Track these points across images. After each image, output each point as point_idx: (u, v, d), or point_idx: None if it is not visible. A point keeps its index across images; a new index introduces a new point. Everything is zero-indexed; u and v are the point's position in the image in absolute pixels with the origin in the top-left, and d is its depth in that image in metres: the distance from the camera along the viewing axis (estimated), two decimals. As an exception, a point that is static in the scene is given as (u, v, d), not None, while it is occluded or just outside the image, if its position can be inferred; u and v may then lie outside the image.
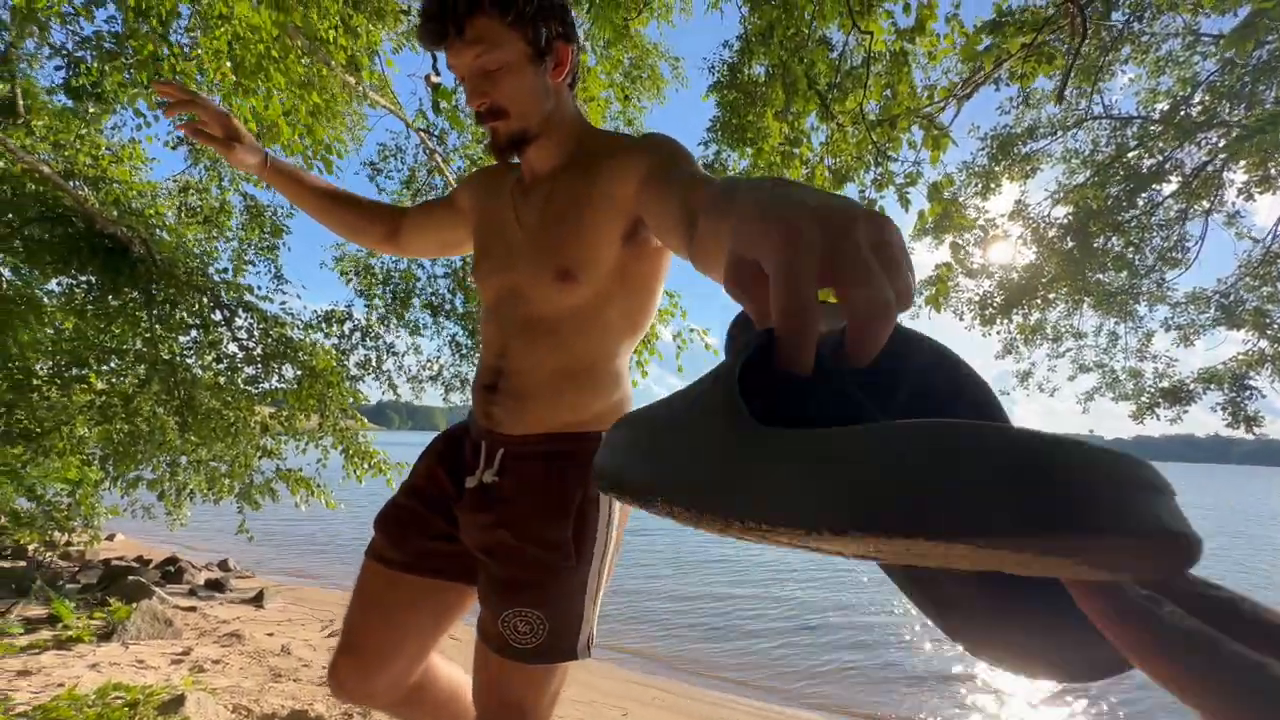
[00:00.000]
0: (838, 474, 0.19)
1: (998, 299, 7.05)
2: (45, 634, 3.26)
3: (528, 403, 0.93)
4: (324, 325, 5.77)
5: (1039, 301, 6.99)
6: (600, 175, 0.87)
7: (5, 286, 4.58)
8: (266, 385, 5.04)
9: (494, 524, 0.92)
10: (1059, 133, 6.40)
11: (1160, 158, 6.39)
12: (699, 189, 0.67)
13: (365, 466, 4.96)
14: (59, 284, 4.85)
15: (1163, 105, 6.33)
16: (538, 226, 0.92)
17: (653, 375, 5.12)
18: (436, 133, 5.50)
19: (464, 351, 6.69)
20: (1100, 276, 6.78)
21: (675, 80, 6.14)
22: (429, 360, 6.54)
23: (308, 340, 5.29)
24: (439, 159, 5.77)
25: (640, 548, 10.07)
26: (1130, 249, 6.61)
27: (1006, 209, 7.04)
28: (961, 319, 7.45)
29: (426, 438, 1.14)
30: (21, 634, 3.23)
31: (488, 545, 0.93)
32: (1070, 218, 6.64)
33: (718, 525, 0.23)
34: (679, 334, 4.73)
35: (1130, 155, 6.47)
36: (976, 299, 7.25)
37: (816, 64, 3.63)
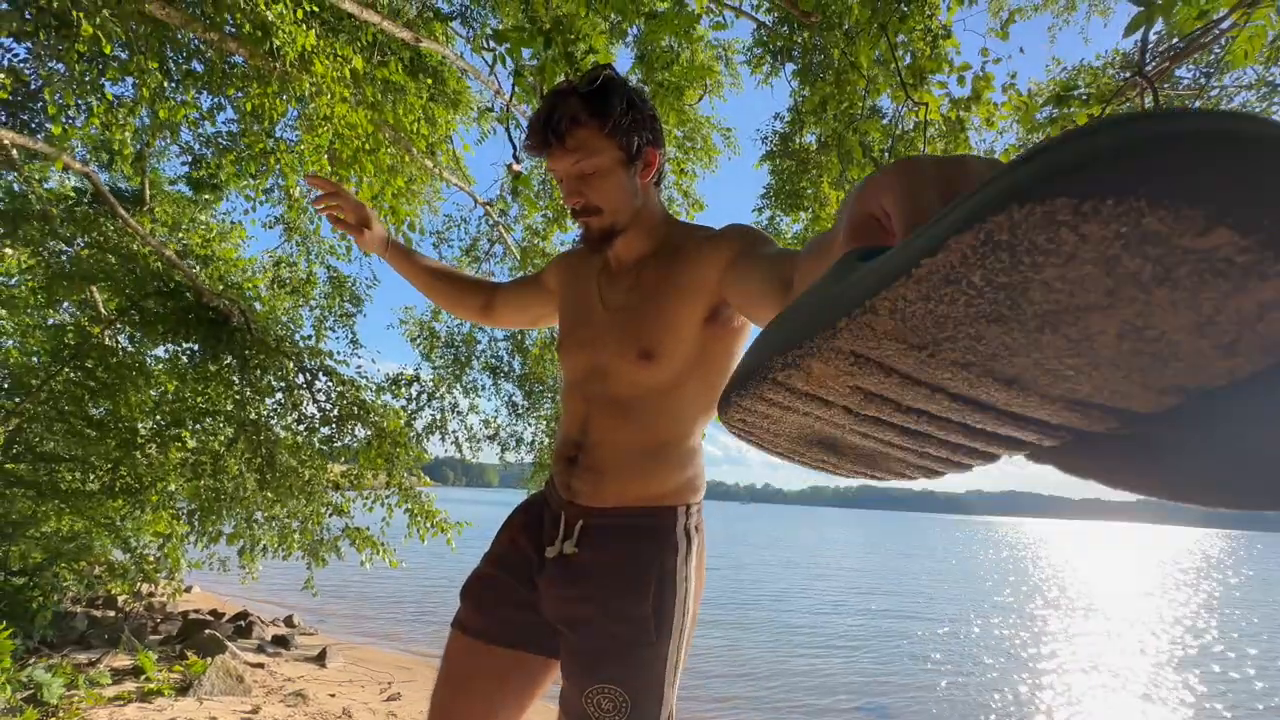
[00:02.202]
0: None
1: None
2: (130, 685, 3.41)
3: (606, 476, 0.97)
4: (394, 387, 6.06)
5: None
6: (685, 262, 0.94)
7: (121, 353, 5.08)
8: (339, 444, 5.30)
9: (575, 598, 0.94)
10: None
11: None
12: (790, 259, 0.71)
13: (428, 526, 5.06)
14: (165, 350, 5.35)
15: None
16: (622, 309, 0.98)
17: (709, 436, 5.08)
18: (501, 207, 5.89)
19: (519, 412, 6.86)
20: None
21: (727, 148, 6.39)
22: (488, 420, 6.72)
23: (378, 402, 5.56)
24: (501, 229, 6.14)
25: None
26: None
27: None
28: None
29: (481, 494, 1.16)
30: (109, 684, 3.39)
31: (569, 618, 0.94)
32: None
33: (830, 332, 0.21)
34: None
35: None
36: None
37: (870, 133, 3.71)
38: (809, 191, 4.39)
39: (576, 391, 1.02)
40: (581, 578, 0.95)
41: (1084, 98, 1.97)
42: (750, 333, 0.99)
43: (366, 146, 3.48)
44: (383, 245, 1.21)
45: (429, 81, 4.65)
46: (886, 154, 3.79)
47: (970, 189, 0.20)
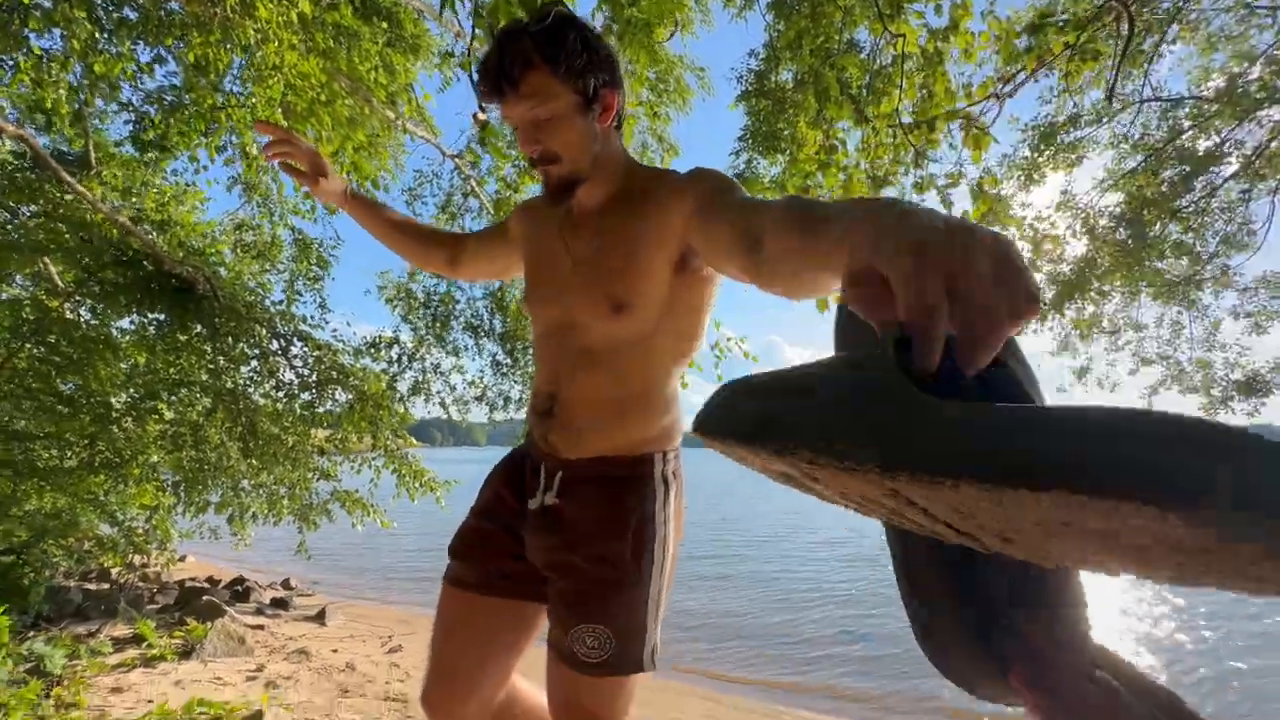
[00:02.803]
0: (1035, 433, 0.22)
1: (1048, 294, 6.79)
2: (132, 652, 3.46)
3: (583, 429, 0.98)
4: (372, 350, 5.97)
5: (1093, 294, 6.70)
6: (649, 209, 0.92)
7: (85, 326, 4.92)
8: (321, 409, 5.26)
9: (558, 545, 0.96)
10: (1105, 119, 6.14)
11: (1218, 138, 6.06)
12: (758, 214, 0.69)
13: (417, 485, 5.10)
14: (130, 321, 5.18)
15: (1217, 82, 6.02)
16: (588, 260, 0.96)
17: (693, 386, 5.12)
18: (471, 160, 5.68)
19: (504, 370, 6.83)
20: (1159, 264, 6.45)
21: (701, 90, 6.18)
22: (474, 380, 6.70)
23: (358, 366, 5.49)
24: (473, 183, 5.95)
25: (694, 570, 10.02)
26: (1190, 234, 6.28)
27: (1052, 200, 6.78)
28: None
29: (469, 454, 1.17)
30: (111, 653, 3.44)
31: (553, 564, 0.97)
32: (1122, 206, 6.35)
33: (879, 470, 0.24)
34: (716, 344, 4.73)
35: (1184, 137, 6.16)
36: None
37: (848, 69, 3.60)
38: (786, 132, 4.29)
39: (547, 344, 1.02)
40: (563, 526, 0.97)
41: (1061, 25, 1.91)
42: (718, 282, 0.97)
43: (322, 98, 3.30)
44: (341, 196, 1.18)
45: (384, 25, 4.37)
46: (865, 90, 3.68)
47: (972, 280, 0.29)
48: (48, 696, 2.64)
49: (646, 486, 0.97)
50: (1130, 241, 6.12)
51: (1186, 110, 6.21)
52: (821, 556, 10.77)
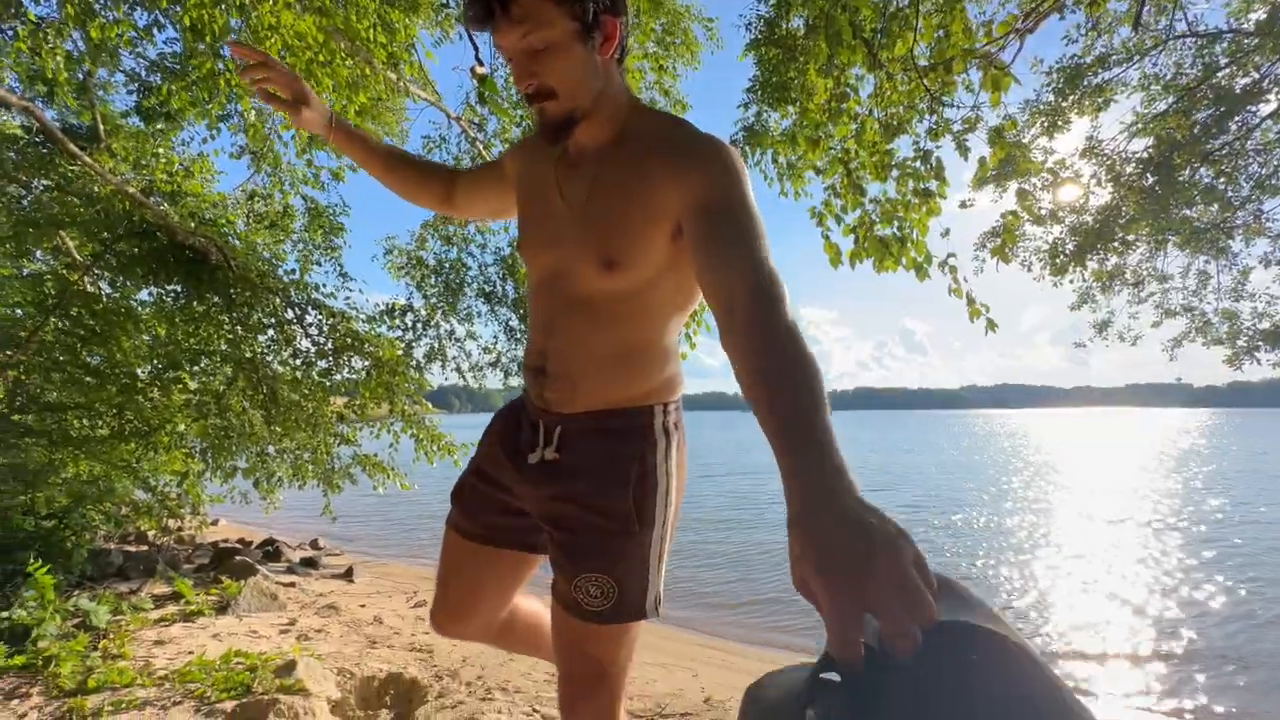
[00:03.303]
0: None
1: (1069, 246, 6.58)
2: (172, 608, 3.64)
3: (578, 383, 0.96)
4: (386, 318, 6.02)
5: (1116, 245, 6.48)
6: (651, 175, 0.86)
7: (105, 299, 5.01)
8: (338, 377, 5.35)
9: (559, 497, 0.97)
10: (1135, 58, 5.82)
11: (1256, 74, 5.73)
12: (736, 280, 0.72)
13: (435, 449, 5.21)
14: (149, 294, 5.27)
15: (1258, 14, 5.66)
16: (583, 207, 0.91)
17: (702, 347, 5.11)
18: (477, 120, 5.58)
19: (518, 336, 6.86)
20: (1187, 212, 6.20)
21: (710, 42, 5.96)
22: (488, 346, 6.75)
23: (373, 333, 5.55)
24: (480, 146, 5.86)
25: (702, 528, 10.19)
26: (1221, 179, 6.00)
27: (1076, 147, 6.51)
28: (1029, 270, 7.01)
29: (486, 419, 1.21)
30: (152, 609, 3.62)
31: (554, 517, 0.98)
32: (1150, 151, 6.07)
33: None
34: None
35: (1220, 75, 5.83)
36: (1045, 248, 6.78)
37: (861, 10, 3.44)
38: (796, 81, 4.14)
39: (542, 293, 0.99)
40: (563, 478, 0.97)
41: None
42: None
43: (320, 58, 3.25)
44: (325, 125, 1.10)
45: (380, -19, 4.25)
46: (879, 35, 3.53)
47: (882, 607, 0.40)
48: (95, 649, 2.80)
49: (646, 438, 0.96)
50: (1158, 188, 5.88)
51: (1224, 46, 5.86)
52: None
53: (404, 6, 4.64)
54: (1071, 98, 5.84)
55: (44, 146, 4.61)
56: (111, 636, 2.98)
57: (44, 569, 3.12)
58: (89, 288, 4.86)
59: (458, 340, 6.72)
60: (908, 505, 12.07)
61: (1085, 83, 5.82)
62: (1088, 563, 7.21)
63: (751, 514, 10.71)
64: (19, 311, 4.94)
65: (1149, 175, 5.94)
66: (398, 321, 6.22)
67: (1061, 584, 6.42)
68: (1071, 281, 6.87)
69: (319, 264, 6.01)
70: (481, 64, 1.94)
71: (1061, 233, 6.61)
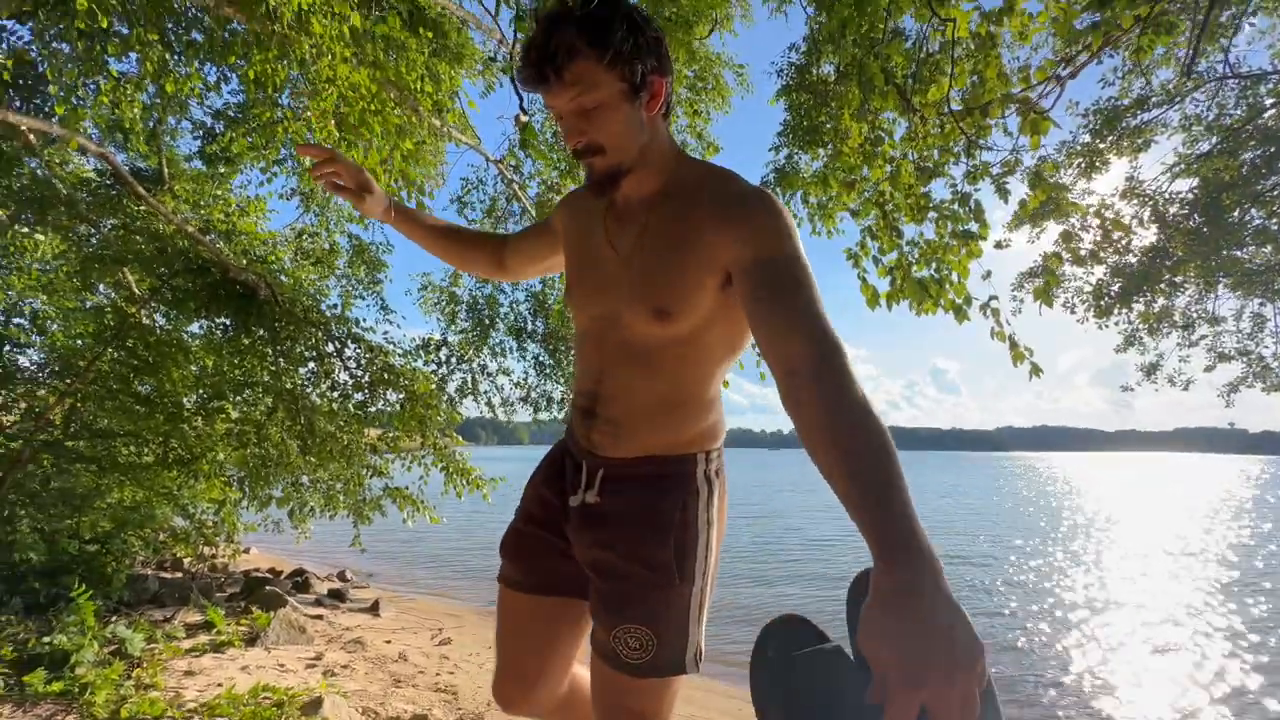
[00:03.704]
0: None
1: (1114, 288, 6.41)
2: (203, 638, 3.67)
3: (625, 428, 0.96)
4: (422, 352, 6.16)
5: (1163, 286, 6.28)
6: (701, 225, 0.86)
7: (159, 331, 5.25)
8: (373, 409, 5.46)
9: (599, 543, 0.96)
10: (1176, 100, 5.74)
11: (1306, 115, 5.59)
12: (795, 339, 0.72)
13: (463, 483, 5.23)
14: (200, 326, 5.51)
15: (1304, 55, 5.55)
16: (633, 258, 0.92)
17: (734, 385, 5.08)
18: (514, 163, 5.79)
19: (546, 371, 6.93)
20: (1238, 253, 5.99)
21: (740, 87, 6.11)
22: (519, 381, 6.82)
23: (408, 367, 5.67)
24: (516, 187, 6.06)
25: (740, 566, 9.93)
26: (1274, 220, 5.81)
27: (1117, 188, 6.39)
28: (1073, 312, 6.82)
29: (513, 453, 1.19)
30: (184, 637, 3.66)
31: (594, 563, 0.96)
32: (1195, 192, 5.93)
33: None
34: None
35: (1267, 115, 5.71)
36: (1088, 289, 6.61)
37: (893, 57, 3.50)
38: (828, 126, 4.20)
39: (590, 340, 1.00)
40: (604, 524, 0.96)
41: (1132, -1, 1.79)
42: None
43: (373, 107, 3.42)
44: (385, 209, 1.18)
45: (429, 35, 4.50)
46: (911, 80, 3.57)
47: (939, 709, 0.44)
48: (129, 677, 2.83)
49: (688, 487, 0.95)
50: (1206, 229, 5.71)
51: (1269, 86, 5.76)
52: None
53: (449, 58, 4.91)
54: (1109, 139, 5.78)
55: (113, 188, 4.94)
56: (145, 665, 3.01)
57: (86, 594, 3.19)
58: (145, 320, 5.10)
59: (490, 375, 6.82)
60: (945, 557, 11.48)
61: (1123, 124, 5.76)
62: (1150, 623, 6.74)
63: (786, 561, 10.41)
64: (79, 342, 5.21)
65: (1195, 216, 5.78)
66: (432, 356, 6.35)
67: (1124, 648, 5.99)
68: (1116, 324, 6.66)
69: (361, 298, 6.22)
70: (525, 113, 2.03)
71: (1105, 274, 6.44)
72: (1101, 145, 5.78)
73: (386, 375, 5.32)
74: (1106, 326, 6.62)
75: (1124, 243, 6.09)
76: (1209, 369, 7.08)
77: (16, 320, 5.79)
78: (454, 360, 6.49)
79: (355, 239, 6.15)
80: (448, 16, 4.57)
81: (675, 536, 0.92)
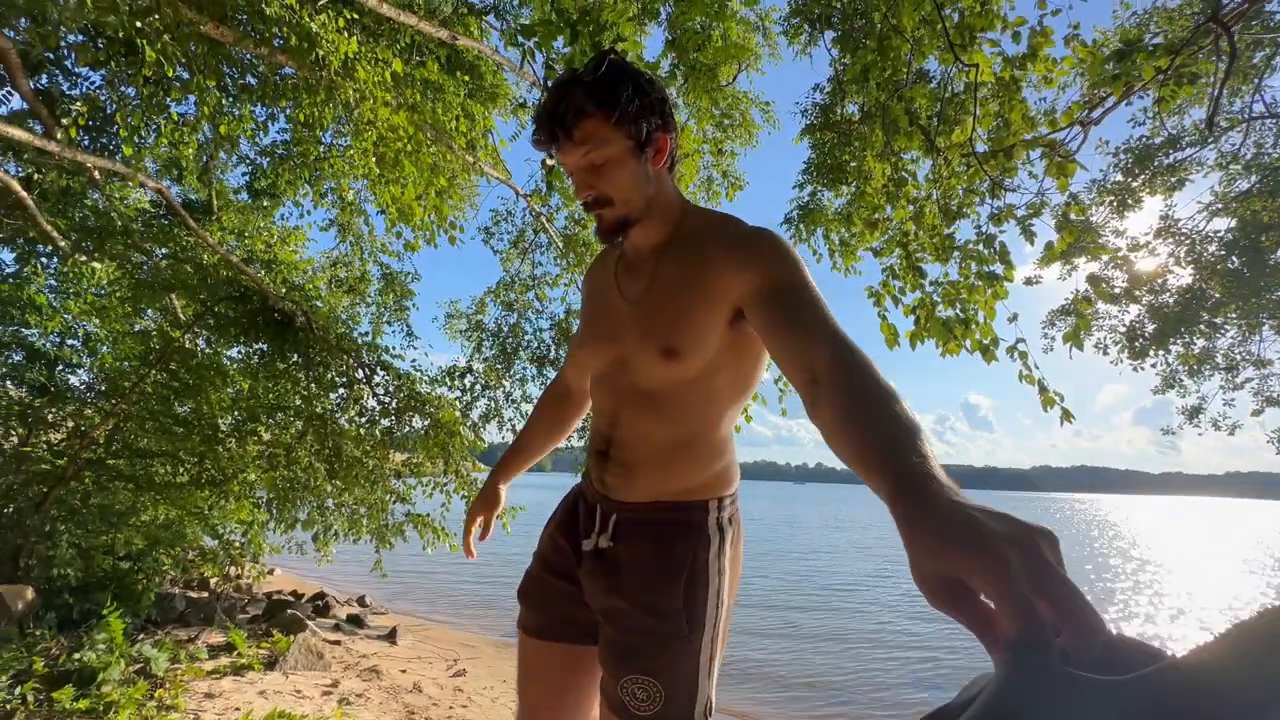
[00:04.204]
0: None
1: (1148, 328, 6.22)
2: (224, 660, 3.72)
3: (637, 471, 0.97)
4: (447, 379, 6.27)
5: (1203, 328, 6.08)
6: (706, 265, 0.90)
7: (200, 355, 5.46)
8: (399, 435, 5.55)
9: (610, 590, 0.95)
10: (1210, 140, 5.64)
11: (1350, 153, 5.44)
12: (814, 347, 0.73)
13: (484, 512, 5.24)
14: (238, 351, 5.71)
15: (1346, 93, 5.42)
16: (642, 302, 0.96)
17: (758, 417, 5.02)
18: (540, 202, 5.96)
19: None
20: (1282, 294, 5.79)
21: (766, 123, 6.22)
22: (541, 409, 6.86)
23: (434, 394, 5.78)
24: (544, 220, 6.22)
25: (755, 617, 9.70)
26: (1319, 261, 5.61)
27: (1151, 226, 6.26)
28: (1105, 353, 6.62)
29: (534, 480, 1.21)
30: (206, 659, 3.71)
31: (605, 610, 0.96)
32: (1234, 231, 5.78)
33: None
34: (780, 378, 4.65)
35: (1308, 155, 5.57)
36: (1122, 329, 6.42)
37: (916, 99, 3.54)
38: (851, 165, 4.24)
39: (604, 385, 1.02)
40: (615, 571, 0.96)
41: (1151, 49, 1.79)
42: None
43: (408, 149, 3.58)
44: (506, 488, 1.29)
45: (466, 78, 4.72)
46: (935, 120, 3.60)
47: (1053, 584, 0.34)
48: (151, 697, 2.87)
49: (700, 534, 0.95)
50: (1246, 270, 5.54)
51: (1310, 125, 5.62)
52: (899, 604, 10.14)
53: (483, 99, 5.13)
54: (1141, 177, 5.69)
55: (166, 219, 5.22)
56: (167, 686, 3.06)
57: (117, 612, 3.27)
58: (188, 344, 5.32)
59: (514, 402, 6.89)
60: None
61: (1156, 163, 5.68)
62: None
63: (815, 603, 10.11)
64: (126, 364, 5.45)
65: (1234, 257, 5.63)
66: (457, 383, 6.46)
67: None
68: (1153, 365, 6.45)
69: (389, 324, 6.39)
70: (552, 157, 2.11)
71: (1139, 314, 6.27)
72: (1134, 184, 5.69)
73: (413, 402, 5.42)
74: (1142, 369, 6.41)
75: (1159, 282, 5.94)
76: (1256, 413, 6.77)
77: (70, 342, 6.10)
78: (479, 387, 6.58)
79: (386, 268, 6.35)
80: (484, 60, 4.79)
81: (685, 586, 0.91)
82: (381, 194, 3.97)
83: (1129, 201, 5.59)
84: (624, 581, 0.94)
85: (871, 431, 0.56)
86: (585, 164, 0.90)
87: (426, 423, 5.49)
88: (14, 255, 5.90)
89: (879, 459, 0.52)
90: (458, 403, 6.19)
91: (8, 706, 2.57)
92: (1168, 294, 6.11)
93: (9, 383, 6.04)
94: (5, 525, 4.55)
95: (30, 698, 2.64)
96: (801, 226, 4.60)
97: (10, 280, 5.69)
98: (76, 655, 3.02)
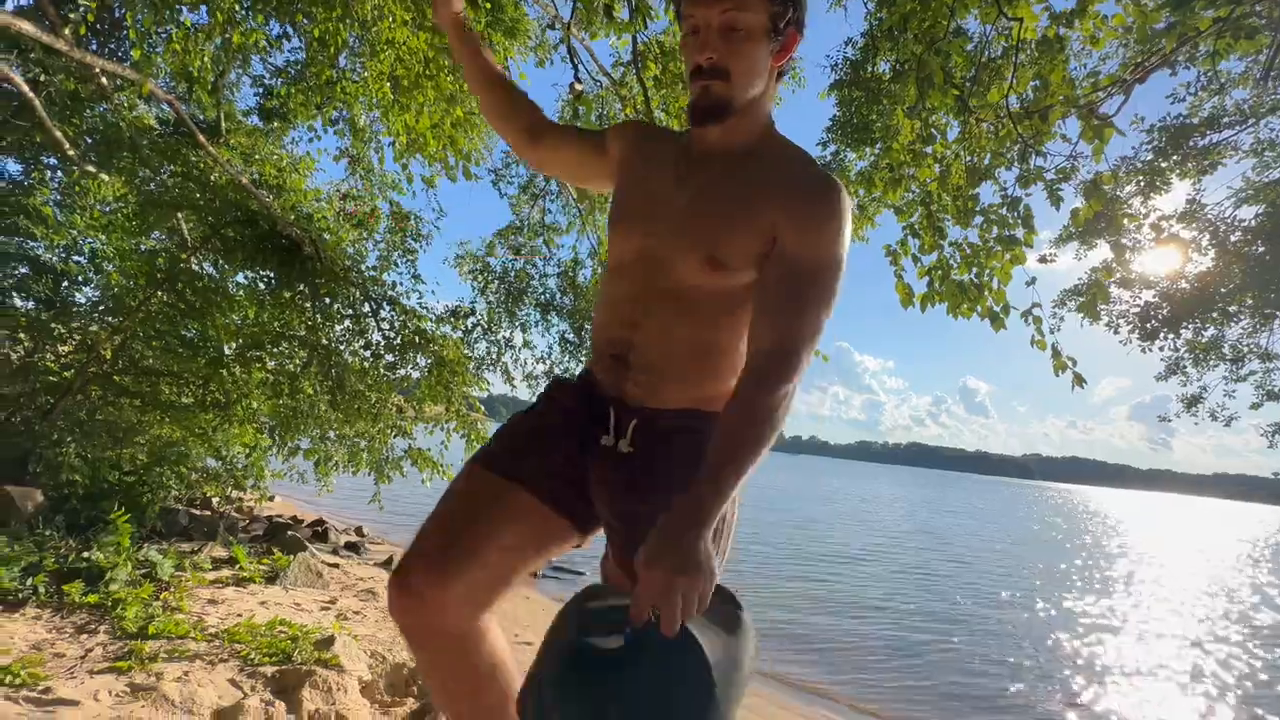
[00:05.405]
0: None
1: (1163, 311, 6.17)
2: (226, 572, 3.83)
3: (665, 377, 0.93)
4: (452, 319, 6.26)
5: (1215, 315, 6.03)
6: (771, 193, 0.88)
7: (207, 279, 5.45)
8: (402, 372, 5.58)
9: (636, 497, 0.90)
10: (1251, 121, 5.46)
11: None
12: (778, 340, 0.84)
13: (483, 450, 5.31)
14: (245, 277, 5.69)
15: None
16: (696, 203, 0.91)
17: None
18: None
19: (571, 348, 6.99)
20: (1301, 288, 5.71)
21: (792, 80, 6.03)
22: (542, 356, 6.89)
23: (439, 333, 5.78)
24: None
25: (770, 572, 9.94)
26: (1345, 256, 5.51)
27: (1176, 209, 6.13)
28: (1116, 332, 6.58)
29: None
30: (209, 569, 3.82)
31: (628, 514, 0.90)
32: (1262, 219, 5.66)
33: None
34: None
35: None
36: (1135, 311, 6.36)
37: (953, 56, 3.41)
38: (878, 123, 4.13)
39: (629, 279, 0.95)
40: (641, 477, 0.91)
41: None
42: None
43: (428, 71, 3.48)
44: (455, 23, 1.16)
45: (488, 6, 4.54)
46: (969, 83, 3.48)
47: (669, 606, 0.67)
48: (157, 599, 2.97)
49: None
50: (1268, 258, 5.45)
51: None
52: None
53: (505, 30, 4.95)
54: (1174, 158, 5.53)
55: (175, 136, 5.12)
56: (172, 590, 3.16)
57: (124, 517, 3.36)
58: (195, 267, 5.30)
59: (514, 348, 6.91)
60: (986, 600, 9.03)
61: (1190, 143, 5.50)
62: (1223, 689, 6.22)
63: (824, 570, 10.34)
64: (132, 283, 5.44)
65: (1259, 245, 5.52)
66: (461, 323, 6.46)
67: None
68: (1161, 348, 6.40)
69: (396, 265, 6.34)
70: (580, 81, 2.05)
71: (1154, 297, 6.19)
72: (1164, 164, 5.53)
73: (418, 339, 5.42)
74: (1150, 350, 6.37)
75: (1178, 267, 5.86)
76: (1255, 406, 6.76)
77: (76, 258, 6.07)
78: (480, 329, 6.59)
79: (396, 206, 6.26)
80: (507, -13, 4.59)
81: None
82: (394, 121, 3.87)
83: (1158, 183, 5.45)
84: (652, 490, 0.88)
85: (720, 451, 0.77)
86: (721, 23, 0.84)
87: (430, 361, 5.51)
88: (20, 167, 5.83)
89: (707, 468, 0.76)
90: (461, 342, 6.20)
91: (20, 595, 2.67)
92: (1185, 280, 6.03)
93: (15, 295, 6.05)
94: (13, 432, 4.63)
95: (41, 589, 2.73)
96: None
97: (16, 192, 5.63)
98: (85, 555, 3.11)
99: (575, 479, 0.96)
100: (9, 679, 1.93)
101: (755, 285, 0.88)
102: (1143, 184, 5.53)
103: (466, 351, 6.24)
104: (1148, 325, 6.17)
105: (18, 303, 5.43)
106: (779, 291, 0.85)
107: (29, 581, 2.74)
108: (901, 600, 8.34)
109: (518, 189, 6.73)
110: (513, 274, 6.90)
